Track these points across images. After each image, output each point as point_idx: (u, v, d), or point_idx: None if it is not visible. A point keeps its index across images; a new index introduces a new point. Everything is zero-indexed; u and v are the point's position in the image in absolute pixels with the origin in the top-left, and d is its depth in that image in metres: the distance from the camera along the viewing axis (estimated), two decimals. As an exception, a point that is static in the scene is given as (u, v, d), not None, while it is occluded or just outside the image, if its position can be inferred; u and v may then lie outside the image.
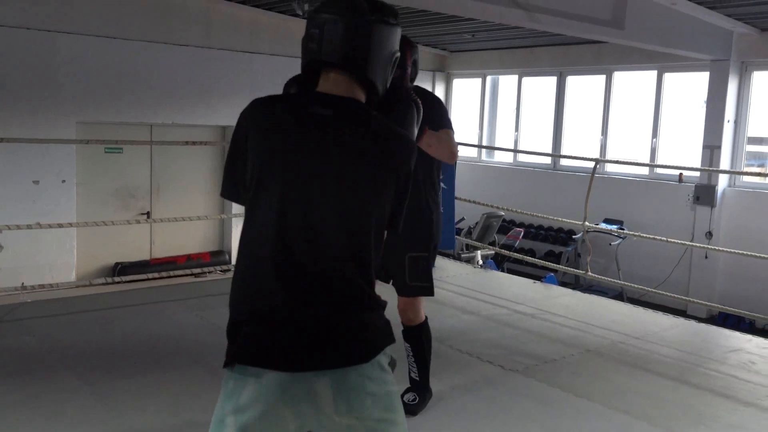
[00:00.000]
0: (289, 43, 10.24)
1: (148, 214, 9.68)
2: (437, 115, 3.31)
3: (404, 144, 1.76)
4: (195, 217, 8.19)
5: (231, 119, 10.57)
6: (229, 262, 10.13)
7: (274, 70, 10.14)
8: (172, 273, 7.34)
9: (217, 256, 10.33)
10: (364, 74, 1.69)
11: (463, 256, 8.87)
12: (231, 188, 1.73)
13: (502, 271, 8.84)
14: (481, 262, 7.65)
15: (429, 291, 3.40)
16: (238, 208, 10.28)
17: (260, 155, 1.64)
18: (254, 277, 1.63)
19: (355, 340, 1.64)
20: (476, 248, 8.20)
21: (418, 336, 3.44)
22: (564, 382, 4.06)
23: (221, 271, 9.03)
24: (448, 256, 8.07)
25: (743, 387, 4.10)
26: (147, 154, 9.67)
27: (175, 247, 9.93)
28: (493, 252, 9.25)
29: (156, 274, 7.80)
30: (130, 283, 6.51)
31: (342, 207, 1.64)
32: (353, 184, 1.65)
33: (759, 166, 9.81)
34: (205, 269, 7.41)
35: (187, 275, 7.12)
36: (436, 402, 3.62)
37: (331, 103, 1.68)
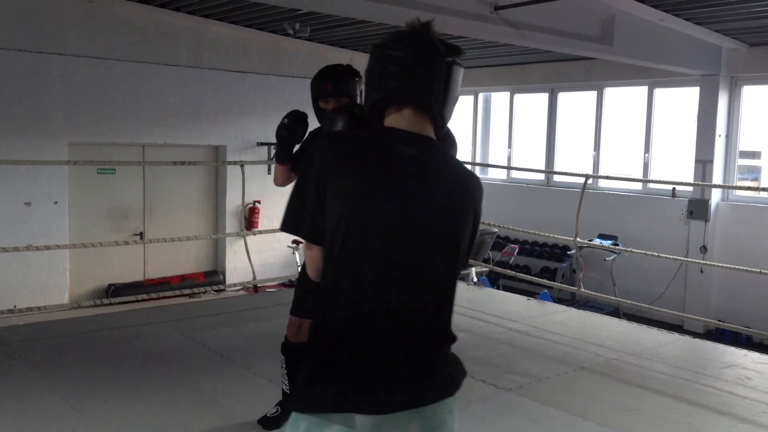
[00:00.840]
0: (280, 63, 10.29)
1: (141, 234, 9.64)
2: None
3: (478, 182, 1.77)
4: (188, 237, 8.13)
5: (223, 139, 10.64)
6: (223, 282, 10.09)
7: (266, 90, 10.19)
8: (165, 294, 7.28)
9: (211, 276, 10.28)
10: (441, 114, 1.70)
11: (457, 273, 8.85)
12: (298, 223, 1.66)
13: (498, 288, 8.80)
14: (475, 279, 7.63)
15: None
16: (231, 228, 10.27)
17: (349, 198, 1.59)
18: (347, 321, 1.59)
19: (442, 376, 1.65)
20: (470, 265, 8.17)
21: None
22: (558, 401, 4.01)
23: (215, 291, 9.00)
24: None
25: (740, 403, 4.06)
26: (139, 175, 9.65)
27: (168, 267, 9.88)
28: (487, 269, 9.22)
29: (147, 296, 7.74)
30: (123, 305, 6.46)
31: (438, 248, 1.63)
32: (446, 225, 1.65)
33: (752, 179, 9.81)
34: (199, 290, 7.37)
35: (180, 296, 7.07)
36: (428, 422, 3.56)
37: (414, 142, 1.66)
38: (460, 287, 7.12)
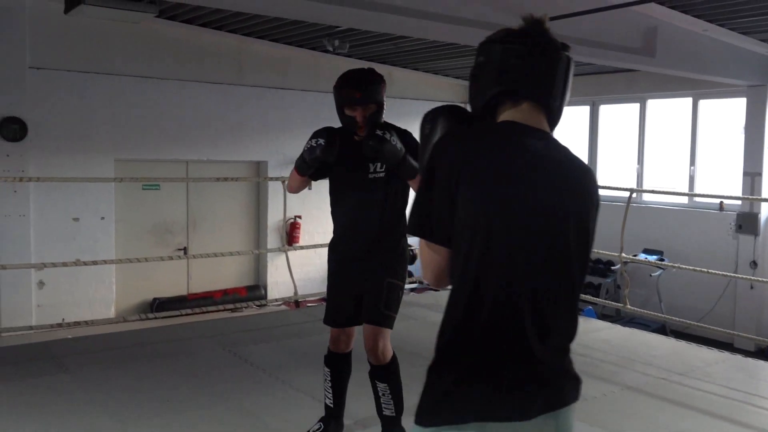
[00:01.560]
0: (320, 79, 10.37)
1: (185, 249, 9.78)
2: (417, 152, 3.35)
3: (595, 176, 1.73)
4: (231, 252, 8.24)
5: (264, 155, 10.75)
6: (265, 297, 10.16)
7: (305, 106, 10.29)
8: (207, 309, 7.36)
9: (253, 291, 10.36)
10: (560, 108, 1.69)
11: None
12: (425, 225, 1.59)
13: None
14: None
15: (393, 323, 3.22)
16: (272, 243, 10.36)
17: (486, 196, 1.54)
18: (494, 322, 1.53)
19: (573, 376, 1.64)
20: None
21: (395, 372, 3.26)
22: (605, 421, 3.92)
23: (257, 305, 9.07)
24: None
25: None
26: (183, 190, 9.81)
27: (211, 282, 10.00)
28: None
29: (191, 311, 7.84)
30: (166, 319, 6.56)
31: (573, 241, 1.61)
32: (579, 218, 1.63)
33: None
34: (241, 304, 7.44)
35: (223, 310, 7.15)
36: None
37: (539, 136, 1.64)
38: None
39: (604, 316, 8.66)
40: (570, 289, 1.62)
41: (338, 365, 3.36)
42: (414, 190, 3.05)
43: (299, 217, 10.36)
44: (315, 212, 10.38)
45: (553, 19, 5.76)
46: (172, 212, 9.75)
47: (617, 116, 10.83)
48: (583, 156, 11.12)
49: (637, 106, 10.35)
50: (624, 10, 5.89)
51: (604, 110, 10.89)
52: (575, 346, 4.97)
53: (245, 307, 7.79)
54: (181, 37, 9.01)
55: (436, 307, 6.60)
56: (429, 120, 1.75)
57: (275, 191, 10.17)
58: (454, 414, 1.52)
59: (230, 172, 9.80)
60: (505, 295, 1.53)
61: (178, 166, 9.65)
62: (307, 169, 3.13)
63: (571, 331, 1.64)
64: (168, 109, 9.20)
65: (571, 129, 11.52)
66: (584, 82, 10.76)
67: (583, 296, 8.07)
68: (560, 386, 1.60)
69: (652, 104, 10.23)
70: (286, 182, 3.29)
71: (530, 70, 1.64)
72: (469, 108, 1.79)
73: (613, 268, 10.30)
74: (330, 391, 3.37)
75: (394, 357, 3.24)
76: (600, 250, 7.33)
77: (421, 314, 6.31)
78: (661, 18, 6.71)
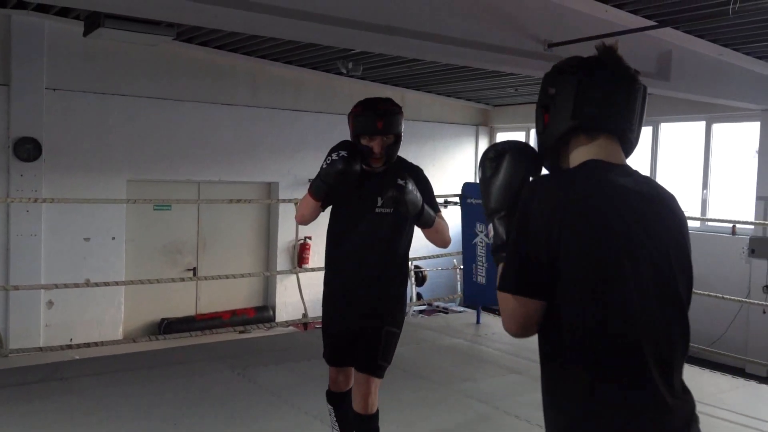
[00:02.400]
0: (333, 101, 10.44)
1: (194, 270, 9.79)
2: (432, 194, 3.01)
3: (678, 202, 1.66)
4: (242, 274, 8.23)
5: (276, 176, 10.79)
6: (273, 318, 10.13)
7: (319, 127, 10.34)
8: (216, 330, 7.35)
9: (261, 312, 10.34)
10: (636, 139, 1.64)
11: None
12: (520, 281, 1.50)
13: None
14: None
15: (382, 372, 3.03)
16: (282, 264, 10.34)
17: (592, 252, 1.46)
18: (629, 371, 1.48)
19: (696, 421, 1.59)
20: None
21: (374, 425, 3.06)
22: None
23: (266, 327, 9.05)
24: (492, 311, 7.92)
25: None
26: (194, 211, 9.84)
27: (220, 303, 9.99)
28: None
29: (201, 332, 7.83)
30: (175, 340, 6.54)
31: (682, 277, 1.57)
32: (682, 252, 1.58)
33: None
34: (249, 326, 7.42)
35: (231, 331, 7.13)
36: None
37: (625, 173, 1.57)
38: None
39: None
40: (685, 327, 1.57)
41: (341, 402, 3.23)
42: (428, 236, 2.95)
43: (309, 238, 10.37)
44: (325, 233, 10.36)
45: (567, 43, 5.79)
46: (183, 232, 9.77)
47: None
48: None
49: (650, 129, 10.33)
50: (639, 34, 5.89)
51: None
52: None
53: (254, 329, 7.75)
54: (197, 59, 9.10)
55: (446, 330, 6.56)
56: (493, 158, 1.67)
57: (285, 212, 10.19)
58: None
59: (242, 193, 9.83)
60: (633, 352, 1.47)
61: (190, 186, 9.69)
62: (325, 189, 2.87)
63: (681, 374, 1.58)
64: (182, 130, 9.27)
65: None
66: (596, 106, 10.74)
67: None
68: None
69: (665, 128, 10.20)
70: (297, 211, 3.07)
71: (609, 102, 1.58)
72: (526, 138, 1.73)
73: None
74: (336, 425, 3.27)
75: (377, 410, 3.07)
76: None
77: (430, 337, 6.27)
78: (676, 42, 6.71)
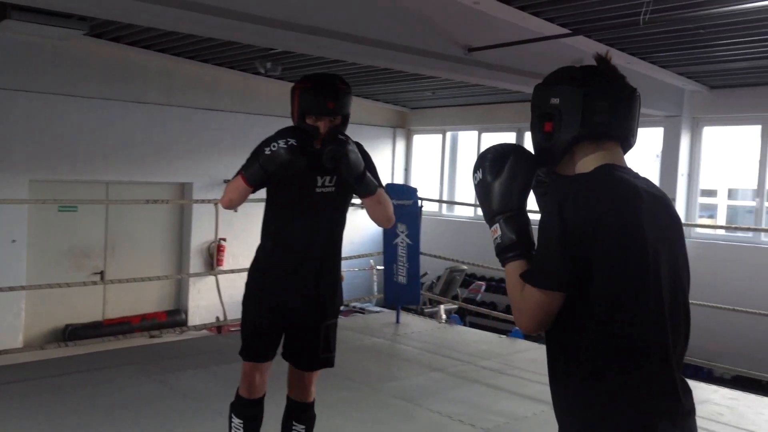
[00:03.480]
0: (250, 101, 10.29)
1: (101, 273, 9.40)
2: (374, 166, 2.80)
3: None
4: (157, 277, 7.96)
5: (190, 176, 10.51)
6: (185, 322, 9.86)
7: (236, 128, 10.16)
8: (125, 335, 7.07)
9: (173, 316, 10.06)
10: (634, 144, 1.74)
11: (426, 310, 8.81)
12: (555, 277, 1.56)
13: (465, 325, 8.77)
14: (444, 317, 7.60)
15: (332, 361, 2.93)
16: (195, 266, 10.08)
17: (625, 257, 1.54)
18: (638, 370, 1.56)
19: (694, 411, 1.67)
20: (439, 303, 8.15)
21: (312, 413, 2.97)
22: (538, 441, 3.98)
23: (178, 331, 8.79)
24: (411, 311, 8.00)
25: (716, 441, 4.08)
26: (102, 213, 9.46)
27: (129, 307, 9.65)
28: (455, 306, 9.20)
29: (108, 338, 7.50)
30: (83, 347, 6.23)
31: (686, 275, 1.66)
32: (683, 251, 1.68)
33: (708, 217, 10.05)
34: (161, 330, 7.19)
35: (141, 336, 6.87)
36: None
37: (635, 176, 1.67)
38: (431, 325, 7.09)
39: (527, 337, 8.81)
40: (689, 325, 1.67)
41: (253, 414, 2.88)
42: (370, 209, 2.74)
43: (224, 239, 10.15)
44: (241, 234, 10.19)
45: (486, 48, 5.92)
46: (90, 235, 9.39)
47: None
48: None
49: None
50: (552, 42, 6.10)
51: (529, 137, 11.20)
52: (504, 368, 5.03)
53: (165, 333, 7.49)
54: (107, 55, 8.75)
55: (366, 330, 6.56)
56: (494, 160, 1.71)
57: (199, 214, 9.95)
58: None
59: (154, 194, 9.52)
60: (660, 352, 1.57)
61: (98, 187, 9.30)
62: (262, 176, 2.62)
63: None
64: (89, 128, 8.89)
65: (496, 155, 11.79)
66: (511, 110, 11.07)
67: (507, 316, 8.22)
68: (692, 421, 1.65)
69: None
70: (224, 194, 2.76)
71: (614, 111, 1.66)
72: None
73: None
74: None
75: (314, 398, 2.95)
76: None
77: (351, 338, 6.26)
78: (588, 50, 6.96)
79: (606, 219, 1.53)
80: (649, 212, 1.59)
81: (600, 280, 1.53)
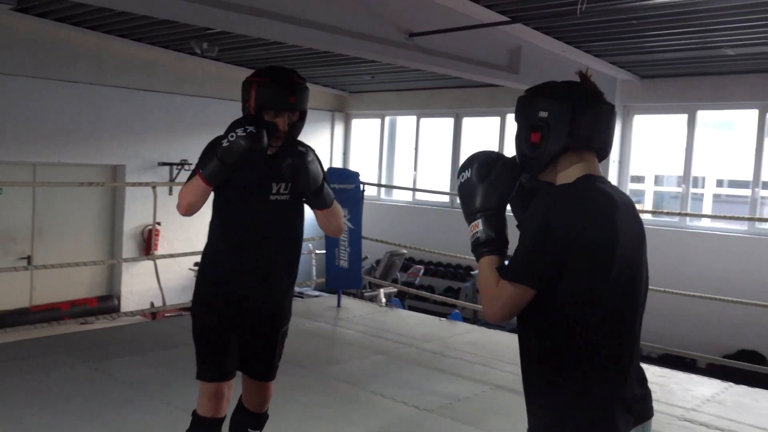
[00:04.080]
0: (186, 82, 10.04)
1: (29, 258, 9.06)
2: (326, 175, 2.68)
3: None
4: (87, 262, 7.68)
5: (122, 159, 10.23)
6: (118, 308, 9.63)
7: (170, 109, 9.91)
8: (56, 322, 6.85)
9: (105, 301, 9.80)
10: (609, 154, 1.87)
11: (366, 294, 8.85)
12: (533, 275, 1.71)
13: (404, 308, 8.87)
14: (384, 300, 7.66)
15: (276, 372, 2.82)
16: (128, 251, 9.82)
17: (603, 263, 1.70)
18: (606, 361, 1.74)
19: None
20: (379, 286, 8.20)
21: (264, 422, 2.87)
22: (478, 420, 4.07)
23: (110, 317, 8.57)
24: (351, 295, 8.02)
25: (647, 417, 4.24)
26: (29, 195, 9.10)
27: (58, 292, 9.35)
28: (395, 290, 9.29)
29: (36, 325, 7.24)
30: (11, 335, 5.99)
31: (645, 279, 1.85)
32: (644, 256, 1.85)
33: (636, 202, 10.44)
34: (93, 318, 6.99)
35: (72, 323, 6.67)
36: (355, 448, 3.52)
37: (610, 185, 1.82)
38: (372, 309, 7.13)
39: (465, 319, 8.99)
40: (640, 326, 1.86)
41: None
42: (323, 220, 2.66)
43: (159, 223, 9.92)
44: (177, 219, 9.94)
45: (427, 33, 5.95)
46: (16, 218, 9.04)
47: (479, 128, 11.33)
48: (447, 166, 11.52)
49: (498, 119, 10.89)
50: (492, 29, 6.18)
51: (468, 122, 11.36)
52: (444, 350, 5.10)
53: (97, 320, 7.28)
54: (34, 32, 8.38)
55: (307, 314, 6.55)
56: (483, 164, 1.85)
57: (133, 197, 9.70)
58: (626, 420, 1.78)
59: (84, 176, 9.20)
60: (620, 349, 1.77)
61: (24, 168, 8.94)
62: (224, 171, 2.45)
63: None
64: (14, 107, 8.52)
65: (435, 139, 11.92)
66: (450, 95, 11.18)
67: (445, 299, 8.34)
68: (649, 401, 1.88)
69: (512, 118, 10.79)
70: (181, 200, 2.52)
71: (596, 125, 1.81)
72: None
73: (472, 272, 10.74)
74: None
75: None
76: (463, 254, 7.64)
77: (292, 322, 6.20)
78: (526, 38, 7.12)
79: (587, 228, 1.69)
80: (624, 221, 1.76)
81: (572, 282, 1.70)
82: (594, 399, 1.73)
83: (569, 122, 1.78)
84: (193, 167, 2.62)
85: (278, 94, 2.49)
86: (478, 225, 1.82)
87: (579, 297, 1.71)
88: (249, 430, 2.82)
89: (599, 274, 1.70)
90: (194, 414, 2.65)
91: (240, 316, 2.64)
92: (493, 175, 1.83)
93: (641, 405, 1.80)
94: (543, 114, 1.80)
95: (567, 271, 1.69)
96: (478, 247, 1.82)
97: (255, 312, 2.67)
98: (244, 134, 2.39)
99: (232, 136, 2.40)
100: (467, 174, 1.86)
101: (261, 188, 2.56)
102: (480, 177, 1.84)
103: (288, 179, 2.53)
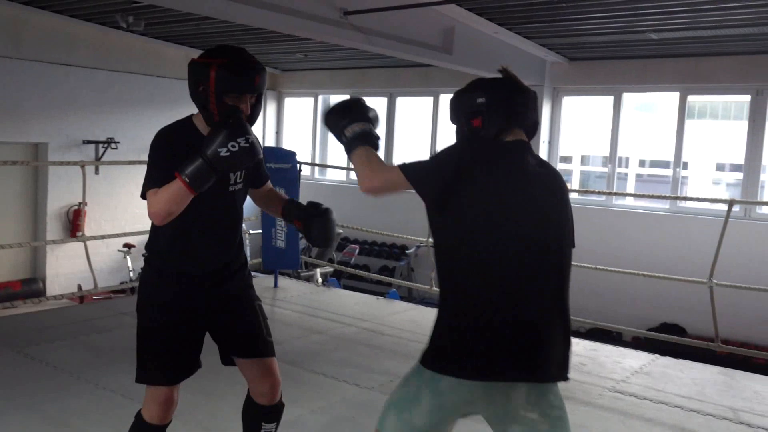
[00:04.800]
0: (110, 58, 9.69)
1: (-55, 241, 8.62)
2: (262, 161, 2.65)
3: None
4: (12, 244, 7.35)
5: (44, 136, 9.82)
6: (44, 292, 9.28)
7: (94, 84, 9.55)
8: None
9: (30, 285, 9.43)
10: (536, 129, 2.22)
11: (303, 274, 8.83)
12: (425, 183, 2.03)
13: (341, 287, 8.90)
14: (320, 279, 7.66)
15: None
16: (52, 233, 9.45)
17: (495, 192, 1.98)
18: (492, 298, 1.97)
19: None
20: (315, 266, 8.19)
21: (280, 414, 2.68)
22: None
23: (35, 301, 8.26)
24: (287, 275, 7.99)
25: (579, 388, 4.42)
26: (-58, 175, 8.64)
27: (-23, 276, 8.94)
28: (332, 269, 9.29)
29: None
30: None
31: (565, 231, 2.08)
32: (564, 208, 2.09)
33: (567, 183, 10.75)
34: (18, 301, 6.73)
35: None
36: (299, 428, 3.54)
37: (527, 149, 2.11)
38: (309, 288, 7.13)
39: (402, 298, 9.10)
40: (561, 274, 2.07)
41: None
42: (264, 199, 2.69)
43: (84, 204, 9.59)
44: (103, 199, 9.69)
45: (362, 12, 5.90)
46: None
47: (413, 108, 11.39)
48: (381, 145, 11.51)
49: (431, 99, 10.97)
50: (426, 9, 6.20)
51: (401, 102, 11.40)
52: (383, 328, 5.15)
53: (21, 304, 7.01)
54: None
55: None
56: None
57: (57, 176, 9.35)
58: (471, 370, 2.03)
59: (3, 155, 8.78)
60: (501, 282, 1.98)
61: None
62: (212, 180, 2.27)
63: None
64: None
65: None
66: (384, 74, 11.17)
67: (381, 278, 8.42)
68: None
69: (445, 98, 10.89)
70: (159, 209, 2.28)
71: (526, 109, 2.14)
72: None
73: (407, 251, 10.85)
74: None
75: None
76: (398, 234, 7.72)
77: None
78: (459, 19, 7.17)
79: (485, 168, 1.99)
80: (539, 182, 2.05)
81: (463, 211, 1.97)
82: (470, 323, 1.98)
83: (506, 103, 2.09)
84: (148, 162, 2.39)
85: (242, 75, 2.33)
86: (356, 127, 2.24)
87: (467, 227, 1.95)
88: (263, 423, 2.62)
89: (480, 220, 1.94)
90: (139, 417, 2.46)
91: (198, 303, 2.48)
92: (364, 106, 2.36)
93: (528, 358, 1.97)
94: (481, 99, 2.09)
95: (463, 197, 1.96)
96: (355, 140, 2.21)
97: (215, 294, 2.50)
98: (247, 146, 2.24)
99: (233, 146, 2.22)
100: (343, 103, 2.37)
101: (222, 181, 2.38)
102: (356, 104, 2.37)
103: (318, 246, 2.67)
